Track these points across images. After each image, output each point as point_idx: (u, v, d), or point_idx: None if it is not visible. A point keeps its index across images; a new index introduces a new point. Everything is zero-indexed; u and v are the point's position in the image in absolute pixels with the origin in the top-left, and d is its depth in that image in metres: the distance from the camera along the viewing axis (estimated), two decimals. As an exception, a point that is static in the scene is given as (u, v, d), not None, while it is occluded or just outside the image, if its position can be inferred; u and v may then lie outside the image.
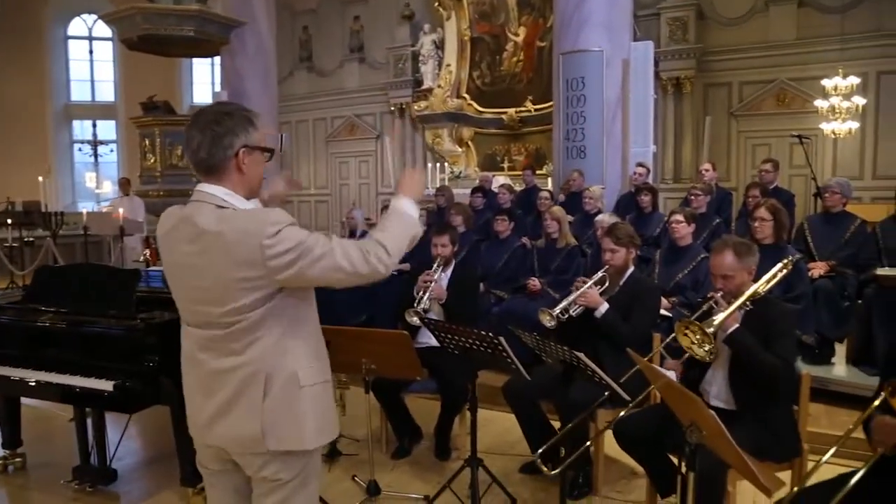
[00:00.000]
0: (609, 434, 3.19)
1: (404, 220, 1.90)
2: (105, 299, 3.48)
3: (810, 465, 2.89)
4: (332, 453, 3.96)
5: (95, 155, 14.31)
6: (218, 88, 10.23)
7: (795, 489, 1.79)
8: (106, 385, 3.14)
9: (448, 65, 12.34)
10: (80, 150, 15.46)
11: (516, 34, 11.64)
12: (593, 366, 2.70)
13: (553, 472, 2.66)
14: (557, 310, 3.42)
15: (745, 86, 9.91)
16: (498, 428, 4.34)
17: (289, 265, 1.70)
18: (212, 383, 1.81)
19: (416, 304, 3.80)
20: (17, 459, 4.00)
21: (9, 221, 9.90)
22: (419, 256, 4.41)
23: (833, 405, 4.23)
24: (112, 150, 15.53)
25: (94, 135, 14.25)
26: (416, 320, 3.69)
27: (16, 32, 15.00)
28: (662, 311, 4.17)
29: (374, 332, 3.29)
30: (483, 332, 2.89)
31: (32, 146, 15.01)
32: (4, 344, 3.61)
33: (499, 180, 9.73)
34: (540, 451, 2.77)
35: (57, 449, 4.19)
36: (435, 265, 4.01)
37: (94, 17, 15.29)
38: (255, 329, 1.75)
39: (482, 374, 3.40)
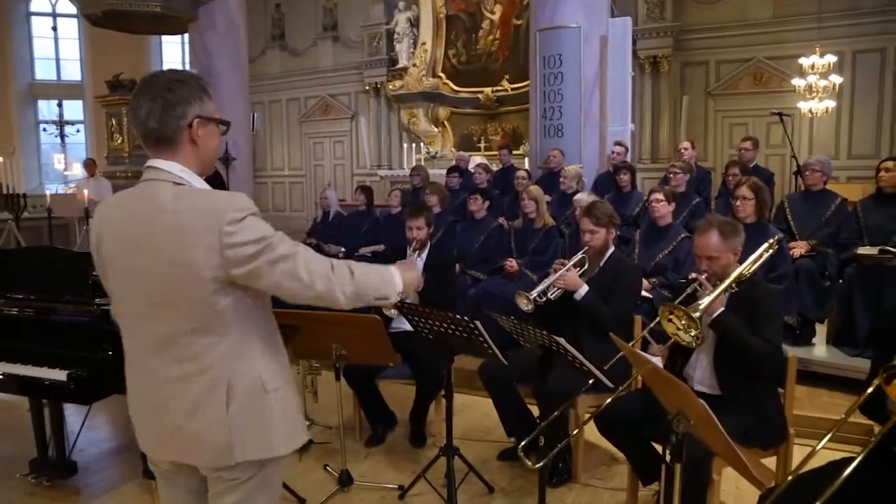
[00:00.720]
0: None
1: (385, 278, 1.76)
2: (60, 284, 3.28)
3: (796, 449, 2.85)
4: (303, 442, 3.82)
5: (62, 136, 13.87)
6: (187, 67, 9.91)
7: (790, 477, 1.67)
8: (59, 375, 2.95)
9: (423, 43, 12.10)
10: (44, 130, 14.97)
11: (492, 12, 11.44)
12: (574, 352, 2.59)
13: (536, 466, 2.55)
14: (534, 293, 3.30)
15: (723, 64, 9.85)
16: (476, 413, 4.24)
17: (247, 260, 1.52)
18: (165, 394, 1.63)
19: None
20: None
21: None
22: (394, 239, 4.27)
23: (814, 387, 4.19)
24: (79, 131, 15.05)
25: (60, 115, 13.80)
26: (394, 312, 3.52)
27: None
28: (643, 293, 4.07)
29: (344, 317, 3.11)
30: (459, 317, 2.76)
31: (-3, 127, 14.57)
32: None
33: (475, 160, 9.58)
34: (522, 443, 2.64)
35: (15, 441, 4.00)
36: (410, 249, 3.87)
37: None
38: (211, 330, 1.58)
39: (459, 357, 3.25)
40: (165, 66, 15.63)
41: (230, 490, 1.66)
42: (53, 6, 15.69)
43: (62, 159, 14.07)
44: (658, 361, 2.23)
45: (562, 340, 2.61)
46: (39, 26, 15.63)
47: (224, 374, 1.59)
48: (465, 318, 2.75)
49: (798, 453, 3.19)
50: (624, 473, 3.13)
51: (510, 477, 3.42)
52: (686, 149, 6.52)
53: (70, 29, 15.64)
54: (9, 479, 3.50)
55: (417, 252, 3.91)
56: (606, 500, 3.20)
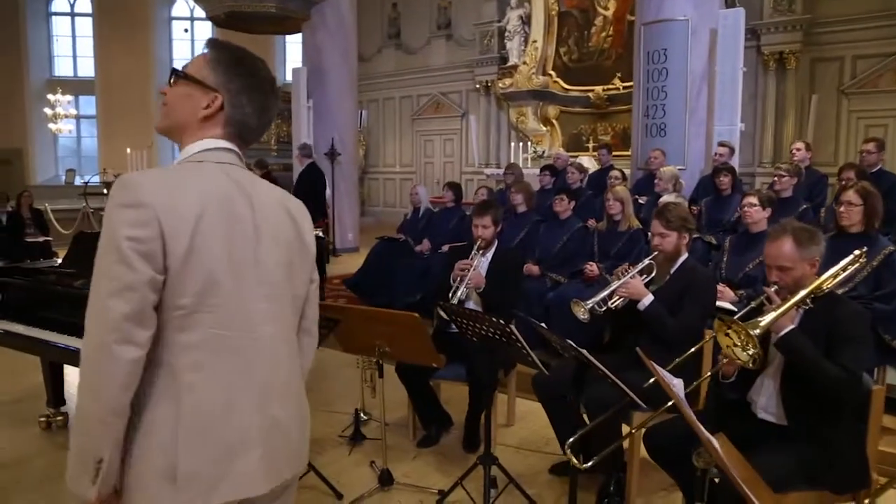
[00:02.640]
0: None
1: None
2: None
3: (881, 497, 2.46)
4: (355, 436, 3.80)
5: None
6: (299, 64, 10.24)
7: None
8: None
9: (534, 41, 11.89)
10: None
11: (606, 8, 11.05)
12: (602, 367, 2.36)
13: (585, 466, 2.35)
14: (592, 302, 3.07)
15: (860, 60, 8.94)
16: (539, 422, 4.03)
17: None
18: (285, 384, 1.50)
19: (450, 295, 3.54)
20: (60, 418, 4.09)
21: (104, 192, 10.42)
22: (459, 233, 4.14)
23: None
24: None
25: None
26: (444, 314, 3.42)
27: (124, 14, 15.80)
28: (725, 304, 3.72)
29: (384, 313, 3.06)
30: (494, 319, 2.61)
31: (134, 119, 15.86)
32: (46, 308, 3.65)
33: (584, 161, 9.26)
34: (569, 441, 2.44)
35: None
36: (475, 249, 3.74)
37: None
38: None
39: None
40: (288, 65, 16.39)
41: None
42: (72, 6, 16.95)
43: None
44: (680, 384, 1.97)
45: (585, 352, 2.39)
46: (179, 30, 16.86)
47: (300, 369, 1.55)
48: (501, 320, 2.58)
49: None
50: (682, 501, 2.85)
51: (558, 493, 3.21)
52: (799, 150, 5.92)
53: (206, 31, 16.74)
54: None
55: (482, 251, 3.77)
56: (658, 529, 2.93)
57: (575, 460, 2.34)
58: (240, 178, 1.40)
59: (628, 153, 9.85)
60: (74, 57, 17.24)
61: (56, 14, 16.93)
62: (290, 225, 1.46)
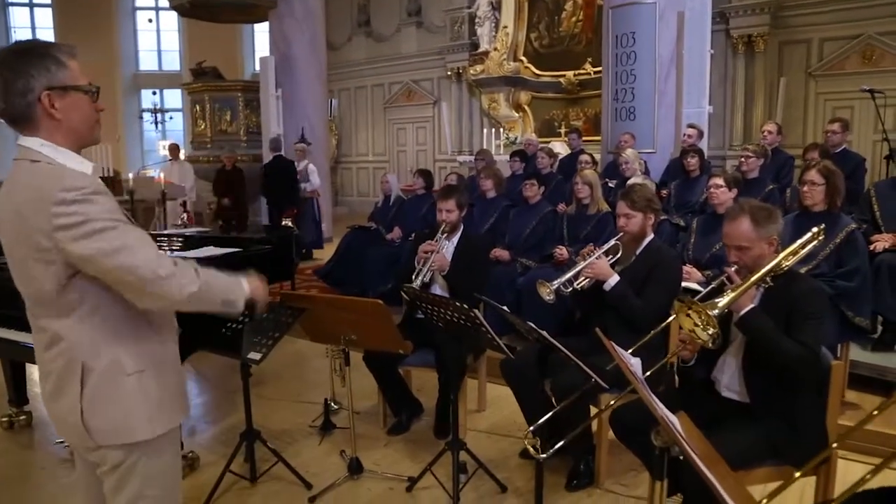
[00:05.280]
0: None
1: (232, 283, 1.68)
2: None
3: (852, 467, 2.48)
4: (325, 426, 3.77)
5: (155, 123, 14.61)
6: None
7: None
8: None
9: (505, 26, 11.84)
10: (140, 118, 15.84)
11: (576, -8, 11.01)
12: (565, 349, 2.36)
13: (543, 456, 2.34)
14: (558, 282, 3.07)
15: (827, 42, 9.02)
16: (510, 406, 4.02)
17: (75, 244, 1.43)
18: (41, 372, 1.66)
19: (413, 277, 3.52)
20: (23, 417, 4.01)
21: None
22: (430, 220, 4.12)
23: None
24: (171, 118, 15.85)
25: (155, 103, 14.53)
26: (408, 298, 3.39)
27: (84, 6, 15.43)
28: (692, 285, 3.73)
29: (348, 300, 3.02)
30: (459, 304, 2.59)
31: (104, 116, 15.50)
32: (4, 305, 3.53)
33: (556, 146, 9.25)
34: (532, 427, 2.43)
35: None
36: (439, 232, 3.72)
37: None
38: (64, 312, 1.53)
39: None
40: (257, 56, 16.17)
41: (106, 476, 1.63)
42: (156, 1, 16.53)
43: (166, 145, 14.88)
44: (638, 364, 1.97)
45: (545, 334, 2.38)
46: (143, 20, 16.52)
47: (78, 356, 1.54)
48: (465, 305, 2.56)
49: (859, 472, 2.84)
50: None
51: (528, 476, 3.21)
52: (770, 132, 5.97)
53: (171, 21, 16.43)
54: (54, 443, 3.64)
55: (447, 236, 3.75)
56: (627, 509, 2.95)
57: (532, 450, 2.33)
58: None
59: (600, 138, 9.91)
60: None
61: (13, 4, 16.44)
62: None
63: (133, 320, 1.61)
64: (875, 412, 1.41)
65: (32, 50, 1.50)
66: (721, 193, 4.01)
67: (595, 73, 10.50)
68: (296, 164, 8.50)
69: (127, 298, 1.53)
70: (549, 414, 2.42)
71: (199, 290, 1.53)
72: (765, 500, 1.36)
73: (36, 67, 1.47)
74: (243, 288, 1.69)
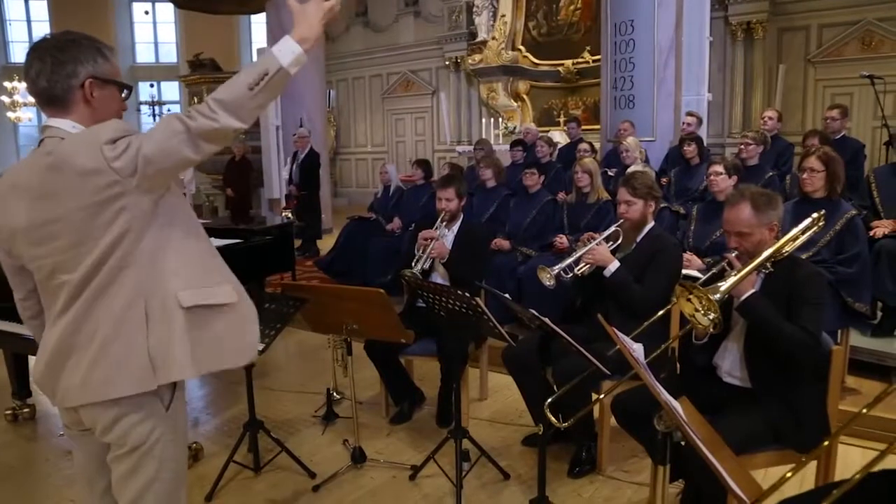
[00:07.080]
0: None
1: (264, 57, 1.57)
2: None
3: (852, 452, 2.49)
4: (328, 416, 3.79)
5: (153, 115, 14.56)
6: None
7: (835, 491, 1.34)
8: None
9: (503, 15, 11.80)
10: (138, 110, 15.78)
11: (574, -21, 10.97)
12: (566, 336, 2.36)
13: (564, 425, 2.31)
14: (558, 268, 3.08)
15: (826, 29, 9.01)
16: (512, 395, 4.05)
17: (131, 156, 1.48)
18: (66, 342, 1.61)
19: (413, 265, 3.52)
20: (26, 410, 4.02)
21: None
22: (430, 210, 4.13)
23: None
24: (169, 110, 15.78)
25: (152, 95, 14.48)
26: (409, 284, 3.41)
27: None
28: (693, 273, 3.73)
29: (350, 290, 3.03)
30: (460, 292, 2.59)
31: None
32: (5, 298, 3.54)
33: (555, 135, 9.24)
34: (547, 402, 2.41)
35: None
36: (438, 220, 3.72)
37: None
38: (125, 261, 1.56)
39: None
40: (254, 46, 16.11)
41: (120, 460, 1.67)
42: None
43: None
44: (640, 349, 1.97)
45: (547, 320, 2.39)
46: (139, 12, 16.43)
47: (142, 294, 1.59)
48: (467, 293, 2.57)
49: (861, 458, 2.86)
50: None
51: (531, 464, 3.22)
52: (770, 118, 5.97)
53: (167, 13, 16.35)
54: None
55: (447, 224, 3.76)
56: (629, 495, 2.96)
57: (554, 419, 2.32)
58: None
59: (600, 126, 9.90)
60: (30, 42, 16.74)
61: (9, -3, 16.41)
62: None
63: (192, 263, 1.67)
64: (882, 395, 1.41)
65: (84, 40, 1.62)
66: (721, 181, 4.01)
67: (594, 61, 10.50)
68: (297, 153, 8.50)
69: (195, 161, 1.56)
70: (559, 392, 2.41)
71: (230, 95, 1.49)
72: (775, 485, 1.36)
73: (85, 55, 1.60)
74: (286, 47, 1.59)
